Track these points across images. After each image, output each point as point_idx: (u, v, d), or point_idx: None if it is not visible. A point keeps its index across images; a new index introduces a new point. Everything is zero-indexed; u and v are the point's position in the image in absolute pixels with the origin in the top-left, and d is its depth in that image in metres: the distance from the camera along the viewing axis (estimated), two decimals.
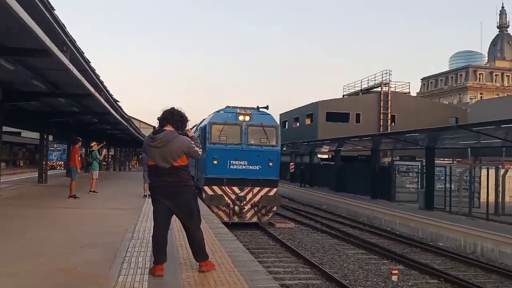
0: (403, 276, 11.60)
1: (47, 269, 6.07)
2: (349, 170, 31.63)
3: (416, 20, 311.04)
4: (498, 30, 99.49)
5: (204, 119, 20.82)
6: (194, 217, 6.03)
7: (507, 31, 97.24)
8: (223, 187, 17.18)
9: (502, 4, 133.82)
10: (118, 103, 21.12)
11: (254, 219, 17.70)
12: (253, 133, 17.49)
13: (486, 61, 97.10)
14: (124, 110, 24.99)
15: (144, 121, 73.54)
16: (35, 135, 39.05)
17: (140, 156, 26.29)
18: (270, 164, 17.28)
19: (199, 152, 6.04)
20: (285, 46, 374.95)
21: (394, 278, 11.19)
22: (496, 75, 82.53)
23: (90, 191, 16.73)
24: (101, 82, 14.57)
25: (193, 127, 22.85)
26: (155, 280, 5.65)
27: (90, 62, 12.04)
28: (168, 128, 5.98)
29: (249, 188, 17.31)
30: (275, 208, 18.48)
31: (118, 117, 20.38)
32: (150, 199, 14.91)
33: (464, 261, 13.38)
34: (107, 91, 16.30)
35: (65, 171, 32.95)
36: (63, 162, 47.67)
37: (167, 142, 5.81)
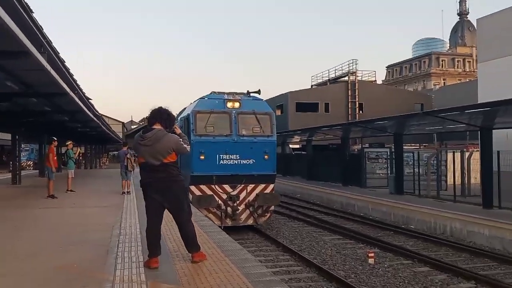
0: (378, 258, 12.05)
1: (44, 267, 6.27)
2: (320, 159, 32.23)
3: (379, 9, 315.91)
4: (458, 17, 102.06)
5: (185, 108, 18.01)
6: (185, 210, 6.31)
7: (467, 17, 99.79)
8: (213, 186, 14.60)
9: None
10: (90, 100, 21.03)
11: (250, 221, 15.25)
12: (244, 122, 15.00)
13: (448, 48, 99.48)
14: (96, 107, 24.89)
15: (113, 117, 72.85)
16: (0, 135, 38.35)
17: (115, 154, 26.09)
18: (266, 157, 14.96)
19: (188, 148, 6.32)
20: (251, 39, 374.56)
21: (371, 261, 11.65)
22: (458, 61, 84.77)
23: (67, 190, 16.74)
24: (75, 81, 14.61)
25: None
26: (152, 272, 5.90)
27: (64, 62, 12.09)
28: (157, 126, 6.22)
29: (243, 185, 14.88)
30: (272, 208, 16.00)
31: (90, 114, 20.32)
32: (128, 196, 15.31)
33: (435, 242, 14.03)
34: (80, 89, 16.30)
35: (35, 171, 32.53)
36: (32, 162, 46.92)
37: (157, 140, 6.05)
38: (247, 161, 14.76)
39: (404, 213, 17.68)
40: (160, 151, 6.04)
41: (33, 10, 7.84)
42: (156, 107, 6.46)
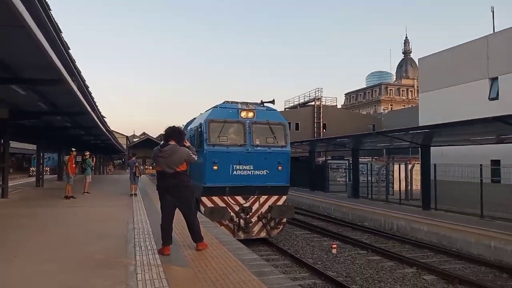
0: (340, 249, 12.40)
1: (77, 255, 6.38)
2: (292, 169, 32.50)
3: (340, 46, 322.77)
4: (403, 55, 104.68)
5: (194, 118, 15.55)
6: (192, 209, 6.63)
7: (410, 55, 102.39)
8: (226, 197, 12.42)
9: (406, 35, 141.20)
10: (104, 118, 21.09)
11: (263, 234, 12.88)
12: (258, 132, 12.77)
13: (395, 79, 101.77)
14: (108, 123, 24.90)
15: (118, 131, 72.14)
16: (22, 145, 37.89)
17: (121, 161, 26.01)
18: (279, 168, 12.77)
19: (196, 158, 6.68)
20: (244, 76, 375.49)
21: (334, 251, 12.00)
22: (402, 90, 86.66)
23: (84, 192, 16.72)
24: (94, 102, 14.73)
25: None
26: (165, 258, 6.15)
27: (88, 87, 12.27)
28: (172, 142, 6.55)
29: (255, 197, 12.70)
30: (285, 219, 13.61)
31: (104, 130, 20.37)
32: (136, 197, 15.39)
33: (385, 236, 14.44)
34: (98, 109, 16.41)
35: (52, 176, 32.16)
36: (49, 168, 46.28)
37: (172, 153, 6.38)
38: (261, 172, 12.56)
39: (360, 213, 18.09)
40: (174, 162, 6.37)
41: (69, 47, 8.08)
42: (170, 126, 6.83)
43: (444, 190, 17.09)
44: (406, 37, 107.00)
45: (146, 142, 76.26)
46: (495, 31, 23.20)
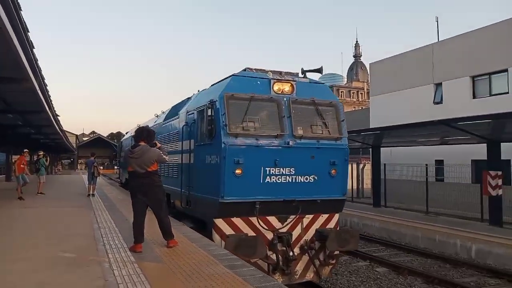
0: None
1: (48, 254, 6.41)
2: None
3: (292, 48, 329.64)
4: (354, 58, 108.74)
5: (189, 98, 10.70)
6: (163, 208, 6.86)
7: (360, 59, 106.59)
8: (254, 219, 7.85)
9: (357, 39, 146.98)
10: (58, 117, 20.51)
11: (310, 275, 8.35)
12: (301, 116, 8.26)
13: (346, 82, 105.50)
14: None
15: (65, 130, 69.50)
16: None
17: (73, 160, 25.23)
18: (333, 172, 8.28)
19: (166, 158, 6.93)
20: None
21: None
22: (353, 92, 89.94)
23: (38, 193, 16.26)
24: (51, 101, 14.40)
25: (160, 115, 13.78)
26: (138, 255, 6.34)
27: (47, 86, 12.04)
28: (142, 143, 6.77)
29: (297, 217, 8.21)
30: (337, 251, 8.67)
31: (58, 129, 19.82)
32: (93, 198, 15.16)
33: None
34: (53, 107, 16.02)
35: (1, 176, 30.67)
36: None
37: (142, 154, 6.61)
38: (306, 178, 8.09)
39: None
40: (145, 162, 6.59)
41: (34, 46, 8.00)
42: (140, 127, 7.11)
43: (393, 188, 18.23)
44: (357, 41, 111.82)
45: (96, 141, 74.18)
46: (439, 40, 24.89)
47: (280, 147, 7.84)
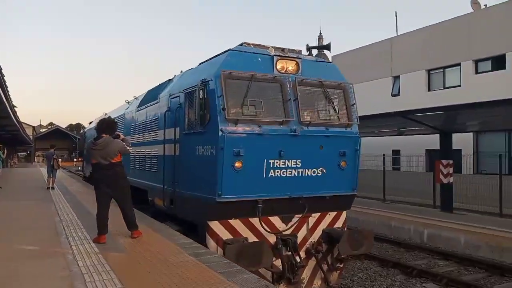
0: None
1: (8, 247, 6.35)
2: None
3: (264, 41, 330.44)
4: (317, 50, 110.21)
5: (170, 79, 9.39)
6: (127, 199, 6.93)
7: (323, 51, 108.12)
8: (254, 220, 6.87)
9: (320, 31, 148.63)
10: (15, 108, 19.81)
11: (318, 283, 7.52)
12: (307, 99, 7.31)
13: None
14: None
15: (22, 121, 66.87)
16: None
17: (29, 153, 24.45)
18: (342, 164, 7.36)
19: (130, 150, 7.01)
20: None
21: None
22: None
23: None
24: (8, 91, 13.93)
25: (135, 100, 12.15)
26: (102, 246, 6.41)
27: (4, 76, 11.65)
28: (104, 135, 6.82)
29: (302, 217, 7.27)
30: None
31: (15, 121, 19.18)
32: (53, 191, 14.87)
33: None
34: (10, 98, 15.49)
35: None
36: None
37: (106, 146, 6.66)
38: (314, 172, 7.14)
39: None
40: (109, 154, 6.64)
41: None
42: (101, 119, 7.19)
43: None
44: (320, 33, 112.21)
45: (55, 133, 71.81)
46: (398, 34, 25.80)
47: (286, 135, 6.81)
